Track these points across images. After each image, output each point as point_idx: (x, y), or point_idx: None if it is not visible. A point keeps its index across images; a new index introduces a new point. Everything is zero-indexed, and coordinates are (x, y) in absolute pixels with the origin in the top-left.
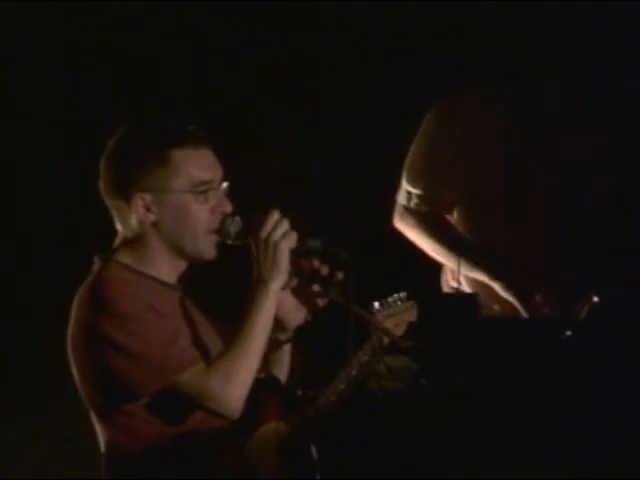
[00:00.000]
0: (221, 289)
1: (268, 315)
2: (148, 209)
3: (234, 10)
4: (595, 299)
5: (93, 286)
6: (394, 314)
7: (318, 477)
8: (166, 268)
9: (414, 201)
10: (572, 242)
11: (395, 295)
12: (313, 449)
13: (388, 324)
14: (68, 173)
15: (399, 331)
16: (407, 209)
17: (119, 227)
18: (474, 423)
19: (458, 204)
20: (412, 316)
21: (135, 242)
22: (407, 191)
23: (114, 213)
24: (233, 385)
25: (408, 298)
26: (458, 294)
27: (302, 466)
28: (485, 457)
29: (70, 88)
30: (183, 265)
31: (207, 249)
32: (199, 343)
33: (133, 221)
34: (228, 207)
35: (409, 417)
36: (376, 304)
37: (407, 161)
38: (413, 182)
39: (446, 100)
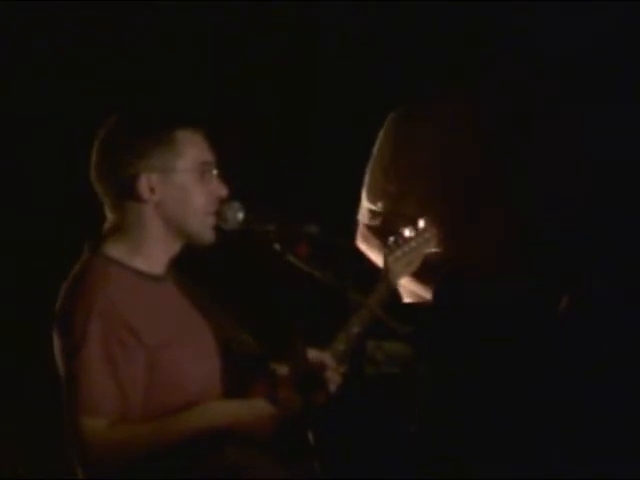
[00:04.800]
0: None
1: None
2: (152, 189)
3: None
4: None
5: (74, 285)
6: (408, 251)
7: (317, 465)
8: (157, 256)
9: (376, 218)
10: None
11: (412, 226)
12: (310, 435)
13: (400, 265)
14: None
15: (411, 269)
16: (370, 228)
17: (110, 213)
18: (472, 408)
19: (421, 216)
20: (429, 247)
21: (129, 228)
22: (369, 209)
23: (107, 199)
24: (112, 459)
25: (426, 226)
26: (452, 280)
27: (298, 454)
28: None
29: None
30: (176, 250)
31: (207, 231)
32: (180, 335)
33: (133, 204)
34: (224, 191)
35: (405, 402)
36: (391, 239)
37: (366, 179)
38: (374, 199)
39: (398, 115)
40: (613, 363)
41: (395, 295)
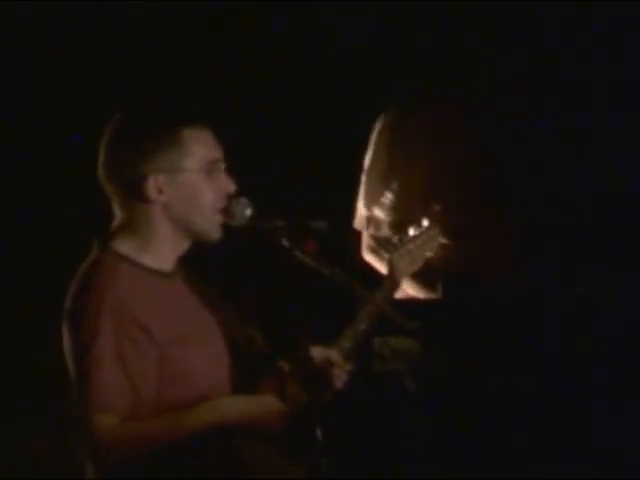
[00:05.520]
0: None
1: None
2: (160, 190)
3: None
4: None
5: (84, 282)
6: (412, 249)
7: (324, 461)
8: (165, 253)
9: (373, 226)
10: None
11: (416, 225)
12: (318, 431)
13: (405, 262)
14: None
15: (415, 267)
16: (376, 239)
17: (118, 212)
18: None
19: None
20: (432, 248)
21: (137, 226)
22: (367, 217)
23: (115, 198)
24: (123, 455)
25: (431, 226)
26: (460, 277)
27: (306, 449)
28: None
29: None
30: (184, 248)
31: (214, 229)
32: (190, 331)
33: (140, 204)
34: (232, 187)
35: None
36: (395, 239)
37: (362, 187)
38: (373, 206)
39: (388, 121)
40: (613, 362)
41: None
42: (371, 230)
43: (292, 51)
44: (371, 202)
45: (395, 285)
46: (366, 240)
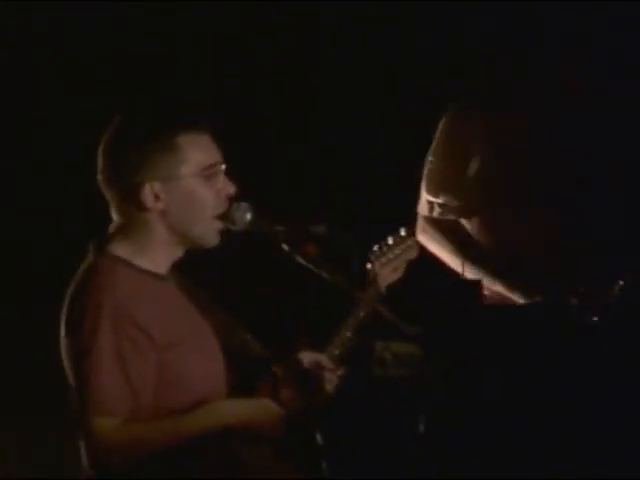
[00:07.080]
0: (215, 276)
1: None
2: (157, 197)
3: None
4: (621, 283)
5: (82, 285)
6: (393, 258)
7: (324, 462)
8: (161, 258)
9: (437, 210)
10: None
11: (394, 234)
12: (317, 434)
13: (387, 270)
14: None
15: (397, 275)
16: (428, 220)
17: (115, 216)
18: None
19: (479, 209)
20: (412, 254)
21: (133, 231)
22: (428, 201)
23: (113, 203)
24: (122, 458)
25: (408, 234)
26: (462, 281)
27: (306, 454)
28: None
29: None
30: (179, 254)
31: (213, 235)
32: (187, 335)
33: (137, 211)
34: (232, 189)
35: (413, 404)
36: (375, 247)
37: (426, 171)
38: (435, 191)
39: (457, 106)
40: (614, 362)
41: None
42: (436, 215)
43: (292, 51)
44: (436, 188)
45: (378, 292)
46: (420, 222)
